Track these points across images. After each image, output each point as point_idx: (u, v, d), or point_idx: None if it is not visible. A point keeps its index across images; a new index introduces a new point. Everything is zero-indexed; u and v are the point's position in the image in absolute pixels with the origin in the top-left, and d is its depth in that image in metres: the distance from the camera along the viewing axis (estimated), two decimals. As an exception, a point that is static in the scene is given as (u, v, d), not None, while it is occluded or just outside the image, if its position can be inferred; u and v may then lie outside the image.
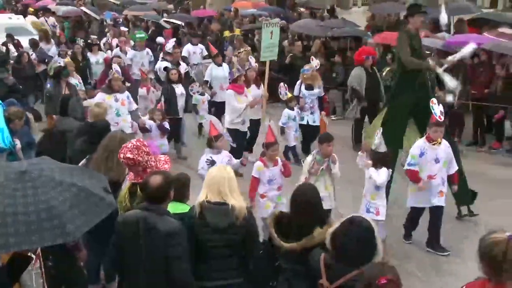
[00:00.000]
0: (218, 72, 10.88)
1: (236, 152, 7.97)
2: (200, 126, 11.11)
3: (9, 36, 15.29)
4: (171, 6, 23.09)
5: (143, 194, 4.09)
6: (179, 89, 9.86)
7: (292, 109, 9.63)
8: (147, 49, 12.89)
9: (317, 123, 9.86)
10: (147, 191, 3.98)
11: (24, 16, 20.72)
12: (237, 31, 15.15)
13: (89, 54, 12.98)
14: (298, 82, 10.13)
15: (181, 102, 9.83)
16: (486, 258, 2.92)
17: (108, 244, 4.12)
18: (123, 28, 16.69)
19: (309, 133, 9.87)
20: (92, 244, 5.03)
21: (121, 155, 4.64)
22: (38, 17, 21.29)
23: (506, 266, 2.86)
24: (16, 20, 18.89)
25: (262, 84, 9.51)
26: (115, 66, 9.36)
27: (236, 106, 8.74)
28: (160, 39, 15.06)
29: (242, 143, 8.96)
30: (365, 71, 10.28)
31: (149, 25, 17.72)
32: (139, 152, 4.63)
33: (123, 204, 4.54)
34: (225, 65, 11.15)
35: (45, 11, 21.31)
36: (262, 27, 9.89)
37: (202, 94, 10.80)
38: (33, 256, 4.08)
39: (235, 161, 6.84)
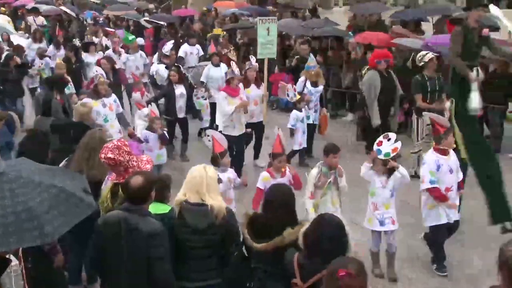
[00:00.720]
0: (215, 73, 10.57)
1: (233, 160, 7.71)
2: (201, 130, 10.77)
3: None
4: (152, 6, 22.98)
5: (124, 194, 4.06)
6: (179, 89, 9.59)
7: (300, 110, 9.30)
8: (141, 52, 12.48)
9: (317, 122, 9.85)
10: (128, 191, 3.96)
11: None
12: (219, 31, 15.11)
13: (85, 54, 12.48)
14: (302, 79, 9.89)
15: (180, 103, 9.55)
16: (506, 269, 2.89)
17: (88, 246, 4.08)
18: (109, 29, 16.29)
19: (311, 131, 9.72)
20: (73, 245, 4.98)
21: (102, 155, 4.61)
22: (21, 17, 20.81)
23: None
24: None
25: (262, 83, 9.30)
26: (98, 69, 8.86)
27: (225, 109, 8.42)
28: (140, 40, 14.95)
29: (234, 148, 8.41)
30: (379, 75, 9.69)
31: (129, 24, 17.59)
32: (120, 152, 4.61)
33: (104, 205, 4.50)
34: (223, 65, 10.74)
35: (33, 10, 20.55)
36: (258, 24, 9.72)
37: (206, 99, 10.50)
38: (12, 258, 4.02)
39: (238, 180, 6.65)
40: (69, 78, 10.28)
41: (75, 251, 5.02)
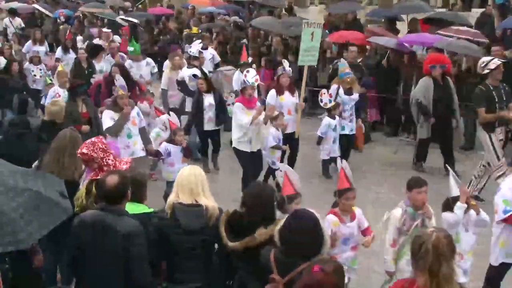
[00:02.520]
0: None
1: (247, 180, 7.26)
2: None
3: None
4: (128, 4, 22.76)
5: (99, 193, 4.03)
6: (208, 99, 8.89)
7: (334, 117, 8.77)
8: (147, 59, 11.26)
9: (354, 132, 9.17)
10: (104, 190, 3.93)
11: None
12: (195, 30, 15.05)
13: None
14: (335, 87, 9.06)
15: (209, 114, 8.87)
16: (411, 248, 3.13)
17: (64, 246, 4.05)
18: (105, 30, 14.93)
19: (346, 144, 9.05)
20: (47, 245, 4.94)
21: (78, 150, 4.62)
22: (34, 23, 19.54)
23: (416, 260, 3.05)
24: None
25: (297, 91, 8.62)
26: (119, 79, 7.66)
27: (243, 121, 7.59)
28: (116, 38, 14.78)
29: (249, 166, 7.71)
30: (433, 82, 8.74)
31: (105, 23, 17.41)
32: (94, 148, 4.63)
33: (79, 201, 4.48)
34: (251, 70, 9.91)
35: (10, 11, 19.20)
36: (303, 28, 8.82)
37: None
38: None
39: None
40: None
41: (49, 252, 4.97)
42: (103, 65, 11.49)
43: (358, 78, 9.62)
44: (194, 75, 9.48)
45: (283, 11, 17.95)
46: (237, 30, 15.23)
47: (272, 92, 8.41)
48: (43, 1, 23.18)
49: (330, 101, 8.81)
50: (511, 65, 9.42)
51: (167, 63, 10.83)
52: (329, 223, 4.82)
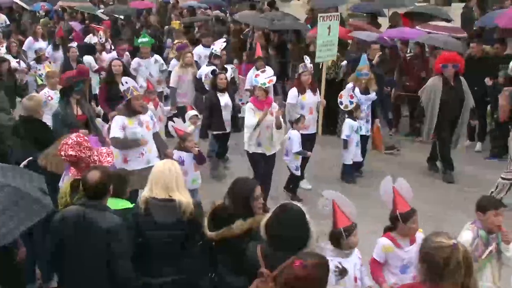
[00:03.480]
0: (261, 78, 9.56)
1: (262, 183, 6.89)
2: None
3: None
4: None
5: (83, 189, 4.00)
6: (223, 99, 8.38)
7: (355, 119, 8.36)
8: (156, 56, 10.51)
9: (369, 133, 8.72)
10: (85, 186, 3.92)
11: None
12: (176, 24, 14.94)
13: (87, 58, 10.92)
14: (350, 86, 8.61)
15: (226, 115, 8.40)
16: (427, 261, 2.94)
17: (42, 242, 4.01)
18: (97, 26, 13.76)
19: (363, 145, 8.61)
20: (26, 242, 4.88)
21: (62, 153, 4.53)
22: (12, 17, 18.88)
23: (445, 273, 2.88)
24: None
25: (318, 89, 8.18)
26: (129, 80, 6.82)
27: (247, 122, 7.18)
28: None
29: (259, 169, 7.26)
30: (443, 82, 8.28)
31: (85, 17, 17.21)
32: (81, 148, 4.57)
33: (63, 200, 4.43)
34: (269, 69, 9.01)
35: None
36: (318, 21, 8.25)
37: None
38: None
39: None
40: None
41: (28, 248, 4.91)
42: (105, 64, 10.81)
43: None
44: (213, 71, 9.01)
45: (265, 5, 17.91)
46: (218, 25, 15.17)
47: (294, 91, 7.90)
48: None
49: (351, 103, 8.33)
50: (494, 61, 9.59)
51: (173, 60, 10.37)
52: (380, 247, 4.33)
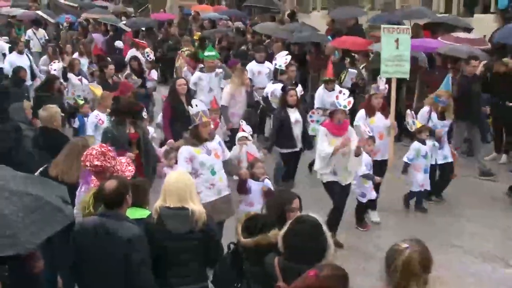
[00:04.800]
0: (329, 98, 8.60)
1: (338, 213, 6.62)
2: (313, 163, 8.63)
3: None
4: (130, 9, 22.86)
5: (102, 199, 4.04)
6: (294, 115, 7.86)
7: (424, 142, 7.66)
8: (217, 70, 9.59)
9: (450, 159, 8.02)
10: (103, 196, 3.94)
11: None
12: (197, 35, 15.08)
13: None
14: (426, 110, 8.04)
15: (296, 131, 7.87)
16: (384, 261, 3.03)
17: (60, 252, 4.05)
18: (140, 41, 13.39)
19: (442, 173, 8.04)
20: (47, 251, 4.92)
21: (87, 163, 4.57)
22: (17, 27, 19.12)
23: (388, 274, 2.97)
24: None
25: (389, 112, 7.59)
26: (199, 104, 6.25)
27: (324, 149, 6.57)
28: (119, 43, 14.81)
29: (339, 198, 6.74)
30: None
31: (108, 28, 17.46)
32: (106, 158, 4.61)
33: (86, 211, 4.47)
34: (337, 87, 8.96)
35: (35, 23, 18.23)
36: (381, 34, 7.83)
37: (322, 123, 7.97)
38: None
39: None
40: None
41: (46, 258, 4.96)
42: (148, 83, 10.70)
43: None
44: (283, 87, 8.53)
45: (285, 16, 17.98)
46: (239, 36, 15.25)
47: (362, 113, 7.28)
48: (45, 8, 23.31)
49: (414, 123, 7.71)
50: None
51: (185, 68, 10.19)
52: None
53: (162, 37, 16.51)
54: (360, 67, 10.79)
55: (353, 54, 11.88)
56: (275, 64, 9.41)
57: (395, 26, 8.14)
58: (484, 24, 13.34)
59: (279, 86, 8.91)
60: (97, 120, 7.84)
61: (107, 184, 3.94)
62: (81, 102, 9.57)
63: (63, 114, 8.85)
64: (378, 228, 7.36)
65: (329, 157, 6.51)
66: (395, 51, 7.66)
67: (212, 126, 6.16)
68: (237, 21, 17.55)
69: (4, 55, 13.60)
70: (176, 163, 6.43)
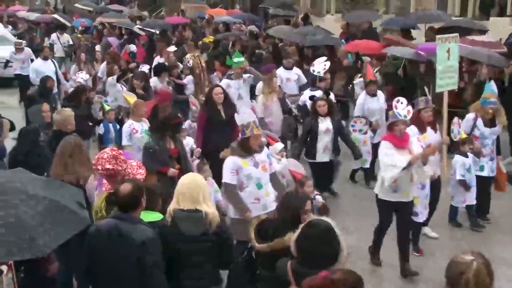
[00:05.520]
0: (372, 104, 8.61)
1: (382, 234, 6.31)
2: (354, 172, 8.85)
3: None
4: (145, 13, 23.00)
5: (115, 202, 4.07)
6: (324, 124, 7.66)
7: (466, 155, 7.20)
8: (245, 76, 9.17)
9: (494, 173, 7.52)
10: (118, 199, 3.97)
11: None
12: (210, 39, 15.11)
13: (154, 79, 10.12)
14: (471, 116, 7.48)
15: (325, 140, 7.62)
16: (447, 275, 2.93)
17: (76, 255, 4.07)
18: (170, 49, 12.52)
19: (485, 187, 7.48)
20: (63, 254, 4.96)
21: (99, 167, 4.61)
22: (46, 34, 19.12)
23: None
24: None
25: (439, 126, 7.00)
26: (247, 112, 6.02)
27: (393, 162, 5.97)
28: (132, 47, 14.92)
29: (388, 221, 6.33)
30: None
31: (123, 32, 17.58)
32: (117, 162, 4.64)
33: (99, 215, 4.50)
34: (380, 94, 8.71)
35: (59, 28, 17.76)
36: (437, 44, 7.18)
37: (365, 132, 8.36)
38: (3, 267, 4.00)
39: None
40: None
41: (61, 261, 5.00)
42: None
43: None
44: (311, 97, 8.30)
45: (299, 20, 17.98)
46: (252, 39, 15.28)
47: (413, 129, 6.66)
48: (61, 12, 23.54)
49: (458, 132, 7.19)
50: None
51: (259, 86, 9.27)
52: None
53: (176, 40, 16.55)
54: (374, 71, 10.73)
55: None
56: (313, 71, 9.11)
57: (448, 36, 7.49)
58: (500, 27, 13.24)
59: (317, 93, 8.62)
60: (131, 129, 7.51)
61: (122, 187, 3.97)
62: (107, 107, 9.35)
63: (91, 123, 8.98)
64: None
65: (400, 170, 5.90)
66: (447, 62, 7.15)
67: (264, 139, 5.76)
68: (250, 25, 17.57)
69: (32, 61, 13.47)
70: (209, 175, 6.37)
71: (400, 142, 6.12)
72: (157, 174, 6.07)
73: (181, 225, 4.02)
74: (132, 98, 8.25)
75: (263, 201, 5.72)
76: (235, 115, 5.99)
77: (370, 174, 8.69)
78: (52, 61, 12.29)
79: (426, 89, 7.16)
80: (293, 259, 3.55)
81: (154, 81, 10.13)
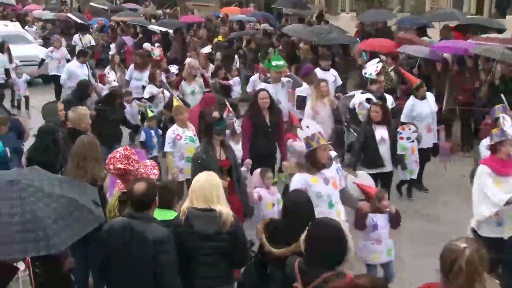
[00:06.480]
0: (423, 108, 8.11)
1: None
2: (402, 183, 8.21)
3: None
4: (159, 12, 23.10)
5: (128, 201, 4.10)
6: (379, 132, 7.11)
7: None
8: (283, 80, 8.62)
9: None
10: (131, 198, 3.99)
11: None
12: (220, 38, 15.13)
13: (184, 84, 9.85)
14: None
15: (384, 149, 7.12)
16: (441, 261, 3.00)
17: (94, 251, 4.12)
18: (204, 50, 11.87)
19: None
20: (79, 251, 5.02)
21: (111, 166, 4.64)
22: (68, 33, 18.79)
23: (450, 275, 2.91)
24: (13, 27, 18.36)
25: None
26: (310, 124, 5.38)
27: (492, 196, 5.16)
28: (147, 45, 14.97)
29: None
30: None
31: (137, 31, 17.69)
32: (129, 162, 4.65)
33: (112, 214, 4.54)
34: (430, 95, 8.24)
35: (80, 29, 17.58)
36: None
37: (412, 140, 7.77)
38: (19, 264, 4.07)
39: None
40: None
41: (80, 257, 5.05)
42: (194, 86, 9.90)
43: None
44: (368, 99, 7.87)
45: (313, 18, 17.95)
46: (266, 38, 15.29)
47: (486, 143, 5.96)
48: (76, 10, 23.73)
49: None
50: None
51: (303, 88, 8.81)
52: None
53: (190, 39, 16.60)
54: (389, 70, 10.69)
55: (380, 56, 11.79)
56: (365, 73, 8.59)
57: None
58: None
59: (369, 96, 8.11)
60: (175, 135, 7.22)
61: (136, 186, 3.98)
62: (150, 114, 8.98)
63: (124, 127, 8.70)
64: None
65: (501, 205, 5.10)
66: None
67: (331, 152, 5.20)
68: (264, 23, 17.57)
69: (68, 60, 13.23)
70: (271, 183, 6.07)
71: (505, 168, 5.22)
72: None
73: (195, 224, 4.02)
74: (177, 102, 7.92)
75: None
76: (298, 130, 5.39)
77: (416, 185, 8.31)
78: (87, 65, 11.76)
79: (503, 97, 6.30)
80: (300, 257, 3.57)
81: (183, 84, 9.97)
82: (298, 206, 4.12)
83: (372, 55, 12.20)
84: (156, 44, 11.86)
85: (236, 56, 13.23)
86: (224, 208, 4.07)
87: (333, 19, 18.33)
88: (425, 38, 12.82)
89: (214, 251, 4.05)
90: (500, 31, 12.39)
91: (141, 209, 3.94)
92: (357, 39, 13.69)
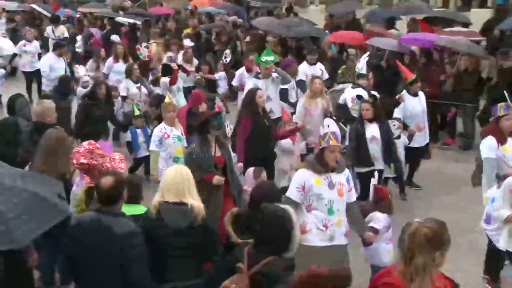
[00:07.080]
0: (415, 105, 7.91)
1: None
2: (387, 180, 7.78)
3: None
4: (127, 3, 22.78)
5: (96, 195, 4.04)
6: (370, 130, 6.95)
7: None
8: (273, 75, 8.37)
9: None
10: (99, 192, 3.95)
11: None
12: (189, 30, 15.00)
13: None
14: None
15: (374, 148, 6.92)
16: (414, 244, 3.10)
17: (61, 246, 4.06)
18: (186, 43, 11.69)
19: None
20: (45, 245, 4.94)
21: (74, 161, 4.58)
22: (34, 25, 17.86)
23: (399, 246, 3.13)
24: None
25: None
26: (332, 124, 5.23)
27: (498, 211, 5.13)
28: (115, 37, 14.74)
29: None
30: None
31: (105, 23, 17.40)
32: (93, 156, 4.61)
33: (79, 208, 4.48)
34: (421, 93, 8.08)
35: (53, 20, 16.49)
36: None
37: (397, 137, 7.43)
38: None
39: None
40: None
41: (46, 251, 4.97)
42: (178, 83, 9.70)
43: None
44: (359, 96, 7.65)
45: (283, 11, 17.96)
46: (236, 31, 15.22)
47: (490, 142, 5.78)
48: (41, 1, 23.19)
49: None
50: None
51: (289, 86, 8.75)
52: None
53: (159, 32, 16.44)
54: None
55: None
56: (357, 68, 8.45)
57: None
58: (481, 19, 13.35)
59: (360, 91, 7.88)
60: (162, 134, 7.02)
61: (103, 180, 3.94)
62: (138, 112, 8.63)
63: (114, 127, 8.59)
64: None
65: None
66: None
67: (339, 154, 4.99)
68: (234, 16, 17.49)
69: (39, 55, 12.76)
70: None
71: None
72: (199, 184, 4.71)
73: (166, 218, 3.99)
74: (169, 99, 7.59)
75: (331, 231, 4.85)
76: (321, 128, 5.14)
77: (408, 184, 8.20)
78: (64, 58, 11.30)
79: (507, 94, 6.13)
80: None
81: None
82: (263, 197, 4.13)
83: (342, 47, 12.27)
84: (144, 44, 11.55)
85: (228, 51, 12.62)
86: (195, 202, 4.04)
87: (302, 12, 18.38)
88: (393, 31, 12.96)
89: (186, 245, 4.02)
90: (465, 24, 12.62)
91: (108, 203, 3.91)
92: (326, 31, 13.75)
